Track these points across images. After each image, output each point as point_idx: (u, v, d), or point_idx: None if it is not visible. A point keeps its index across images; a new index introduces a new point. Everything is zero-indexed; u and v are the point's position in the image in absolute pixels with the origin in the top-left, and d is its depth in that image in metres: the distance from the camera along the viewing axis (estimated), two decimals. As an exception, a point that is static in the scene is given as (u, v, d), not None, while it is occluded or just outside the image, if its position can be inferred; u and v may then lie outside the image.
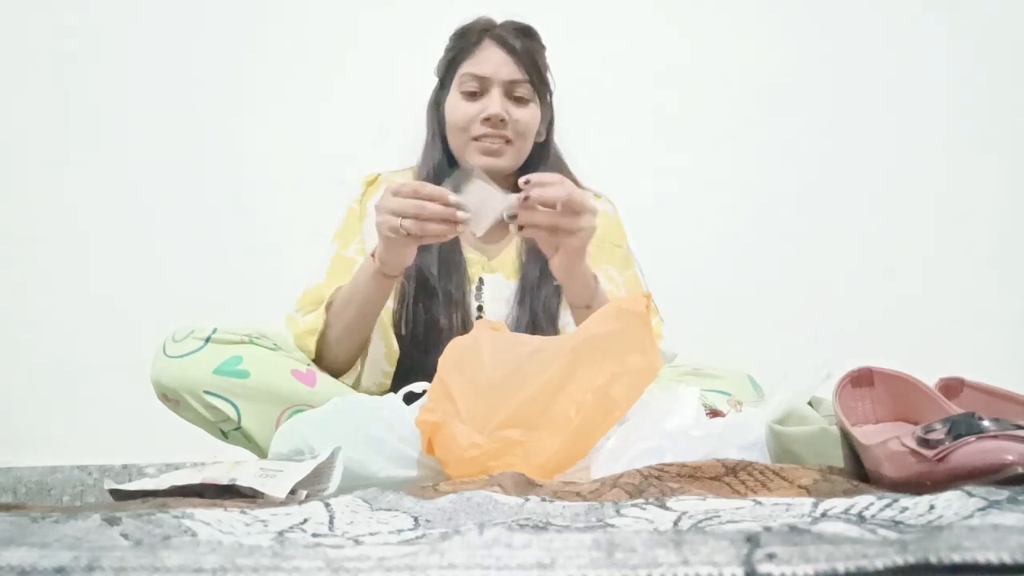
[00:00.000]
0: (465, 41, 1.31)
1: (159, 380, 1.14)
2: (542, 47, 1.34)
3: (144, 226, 2.00)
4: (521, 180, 1.06)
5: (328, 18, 2.03)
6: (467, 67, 1.30)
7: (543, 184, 1.06)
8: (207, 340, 1.14)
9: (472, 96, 1.29)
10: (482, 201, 1.06)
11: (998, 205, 1.95)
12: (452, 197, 1.05)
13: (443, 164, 1.34)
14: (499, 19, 1.33)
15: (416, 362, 1.24)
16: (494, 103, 1.27)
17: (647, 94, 1.98)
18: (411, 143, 1.40)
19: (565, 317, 1.30)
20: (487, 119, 1.27)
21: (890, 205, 1.95)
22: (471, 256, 1.33)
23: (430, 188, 1.07)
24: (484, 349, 0.93)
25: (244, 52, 2.03)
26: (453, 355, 0.96)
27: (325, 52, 2.02)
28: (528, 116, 1.31)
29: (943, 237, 1.94)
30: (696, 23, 2.02)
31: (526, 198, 1.05)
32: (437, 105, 1.36)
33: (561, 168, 1.41)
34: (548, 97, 1.37)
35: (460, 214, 1.05)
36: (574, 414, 0.86)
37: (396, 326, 1.28)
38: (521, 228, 1.07)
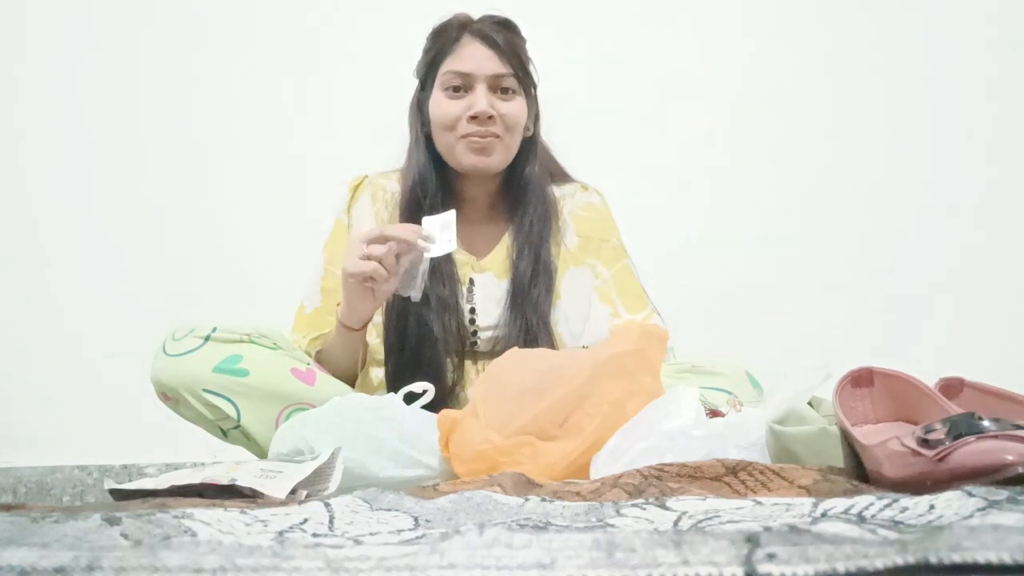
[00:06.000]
0: (444, 39, 1.28)
1: (159, 378, 1.14)
2: (523, 39, 1.31)
3: (144, 226, 1.99)
4: None
5: (315, 17, 2.03)
6: (449, 64, 1.27)
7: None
8: (207, 339, 1.14)
9: (456, 93, 1.26)
10: (413, 265, 1.16)
11: (998, 204, 1.95)
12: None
13: (429, 166, 1.31)
14: (476, 15, 1.29)
15: (408, 372, 1.21)
16: (480, 100, 1.24)
17: (646, 94, 1.98)
18: (396, 145, 1.37)
19: (556, 316, 1.29)
20: (474, 117, 1.24)
21: (891, 204, 1.95)
22: (460, 257, 1.31)
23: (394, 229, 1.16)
24: (508, 366, 1.00)
25: (233, 52, 2.02)
26: (484, 378, 1.04)
27: (313, 53, 2.01)
28: (516, 109, 1.28)
29: (943, 237, 1.94)
30: (694, 23, 2.01)
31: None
32: (419, 106, 1.33)
33: (548, 162, 1.40)
34: (532, 90, 1.34)
35: (424, 232, 1.14)
36: (587, 423, 0.90)
37: (386, 336, 1.27)
38: None
